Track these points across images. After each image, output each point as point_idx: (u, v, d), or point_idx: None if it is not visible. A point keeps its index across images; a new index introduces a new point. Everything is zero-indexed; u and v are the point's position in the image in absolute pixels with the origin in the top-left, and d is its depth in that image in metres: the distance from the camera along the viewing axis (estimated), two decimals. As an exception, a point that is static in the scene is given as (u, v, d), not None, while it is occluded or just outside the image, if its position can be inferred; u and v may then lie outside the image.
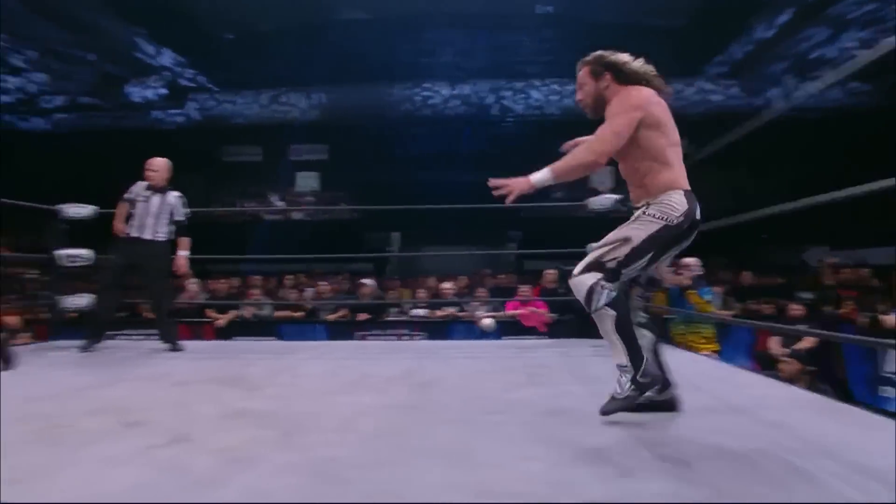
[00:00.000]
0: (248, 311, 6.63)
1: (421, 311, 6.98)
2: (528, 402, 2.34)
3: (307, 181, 15.96)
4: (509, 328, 6.25)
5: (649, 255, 1.96)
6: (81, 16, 13.33)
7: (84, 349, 3.97)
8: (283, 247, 10.63)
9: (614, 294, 1.95)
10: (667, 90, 2.08)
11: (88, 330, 4.10)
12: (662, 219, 1.96)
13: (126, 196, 4.20)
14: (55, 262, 4.46)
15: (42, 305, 5.84)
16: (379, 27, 12.11)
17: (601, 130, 1.98)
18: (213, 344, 4.58)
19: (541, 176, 1.95)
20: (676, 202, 1.98)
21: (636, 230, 1.97)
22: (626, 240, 1.96)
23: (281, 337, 6.20)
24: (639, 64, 2.08)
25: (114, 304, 4.22)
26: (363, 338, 6.22)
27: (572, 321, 6.31)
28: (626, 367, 1.98)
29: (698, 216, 2.00)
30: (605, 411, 2.01)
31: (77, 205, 4.65)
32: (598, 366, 3.18)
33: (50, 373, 3.16)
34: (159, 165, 4.24)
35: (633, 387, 1.98)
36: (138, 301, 5.83)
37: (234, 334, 6.21)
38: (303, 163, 15.95)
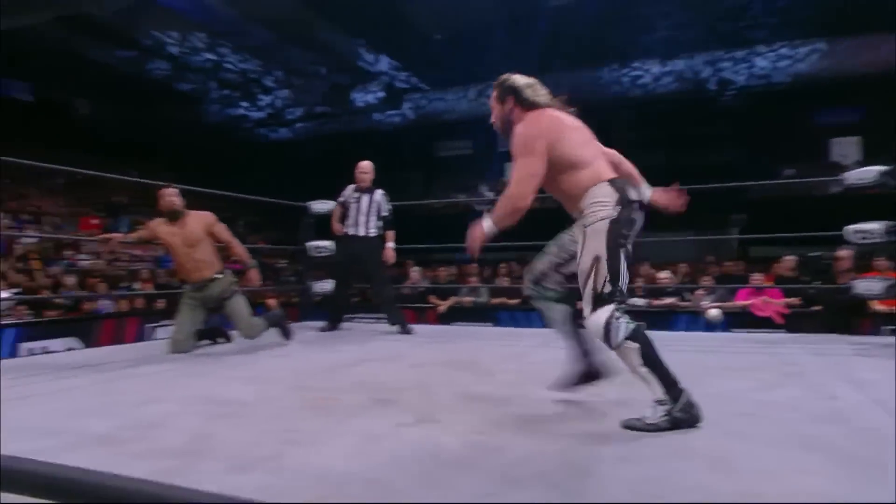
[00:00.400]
0: (466, 298, 6.91)
1: (639, 301, 6.66)
2: (788, 404, 2.06)
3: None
4: (739, 319, 5.67)
5: (622, 255, 1.90)
6: (316, 36, 14.99)
7: (325, 329, 4.49)
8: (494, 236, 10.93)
9: (633, 326, 1.84)
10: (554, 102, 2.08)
11: (330, 313, 4.63)
12: (604, 218, 1.90)
13: (339, 199, 4.67)
14: (306, 253, 5.06)
15: (294, 290, 6.71)
16: (590, 9, 11.72)
17: (517, 173, 1.95)
18: (436, 328, 4.84)
19: (488, 225, 2.01)
20: (604, 195, 1.92)
21: (595, 244, 1.89)
22: (596, 259, 1.89)
23: (497, 323, 6.36)
24: (537, 89, 2.10)
25: (347, 291, 4.77)
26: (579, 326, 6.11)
27: (817, 314, 5.53)
28: (663, 400, 1.79)
29: (633, 196, 1.94)
30: (627, 426, 1.81)
31: (322, 201, 5.22)
32: (866, 368, 2.72)
33: (307, 350, 3.59)
34: (368, 168, 4.65)
35: (666, 418, 1.78)
36: (365, 287, 6.42)
37: (453, 319, 6.50)
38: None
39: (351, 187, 4.64)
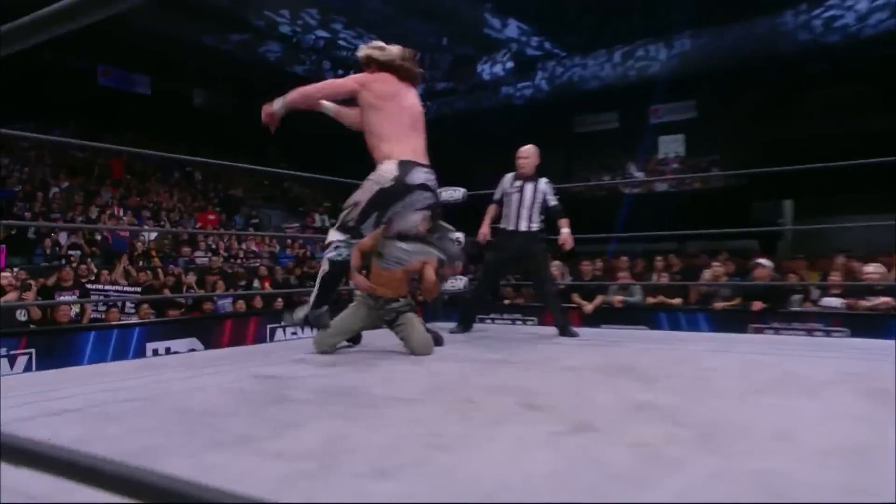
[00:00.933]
0: (616, 297, 6.76)
1: (834, 301, 6.17)
2: None
3: (671, 146, 15.60)
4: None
5: (375, 214, 2.92)
6: (435, 3, 15.30)
7: (457, 331, 4.57)
8: (645, 223, 10.58)
9: (339, 258, 2.95)
10: (415, 75, 3.07)
11: (462, 313, 4.72)
12: (377, 183, 2.89)
13: (494, 198, 4.70)
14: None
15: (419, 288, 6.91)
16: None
17: (328, 84, 3.09)
18: (584, 331, 4.77)
19: (278, 104, 2.98)
20: (386, 170, 2.88)
21: (361, 194, 2.93)
22: (355, 203, 2.93)
23: (654, 326, 6.16)
24: (393, 52, 3.01)
25: (486, 295, 4.87)
26: (759, 331, 5.77)
27: None
28: (308, 303, 3.06)
29: (414, 180, 2.89)
30: (285, 321, 3.26)
31: (450, 188, 5.34)
32: None
33: (444, 351, 3.69)
34: (529, 152, 4.62)
35: (301, 316, 3.12)
36: (503, 284, 6.45)
37: (601, 321, 6.38)
38: (665, 125, 15.63)
39: (509, 177, 4.67)
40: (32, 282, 7.11)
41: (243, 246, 12.89)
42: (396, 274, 3.61)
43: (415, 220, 3.08)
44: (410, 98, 3.04)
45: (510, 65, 17.31)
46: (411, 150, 2.95)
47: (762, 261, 6.70)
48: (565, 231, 4.50)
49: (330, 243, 2.95)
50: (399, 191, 2.88)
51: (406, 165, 2.89)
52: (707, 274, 7.35)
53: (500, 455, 1.68)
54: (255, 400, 2.42)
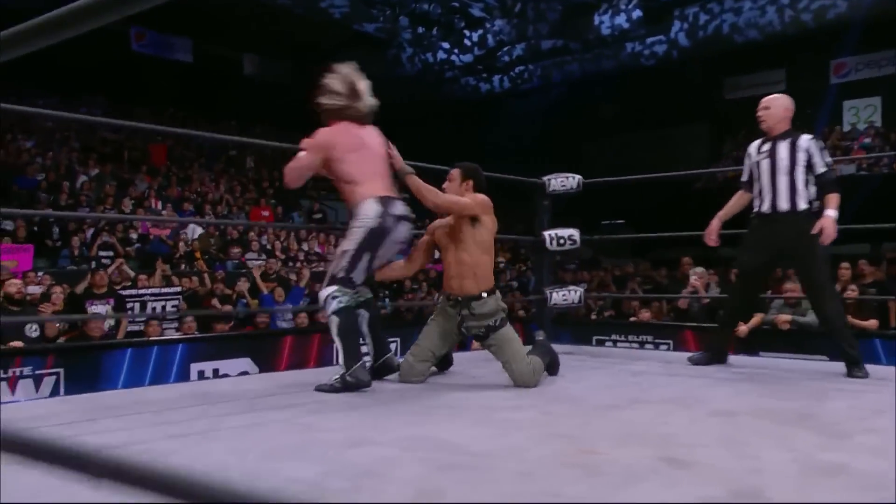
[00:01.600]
0: (782, 317, 6.54)
1: None
2: None
3: (862, 113, 14.91)
4: None
5: (366, 256, 3.51)
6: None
7: (702, 362, 4.43)
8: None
9: (342, 306, 3.44)
10: (363, 111, 3.71)
11: (712, 344, 4.58)
12: (363, 225, 3.48)
13: (742, 179, 4.35)
14: (543, 246, 5.19)
15: (524, 300, 6.91)
16: None
17: (293, 162, 3.67)
18: (739, 360, 4.65)
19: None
20: (368, 210, 3.50)
21: (347, 243, 3.52)
22: (343, 253, 3.51)
23: (837, 357, 5.89)
24: (335, 95, 3.66)
25: (745, 308, 4.80)
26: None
27: None
28: (340, 367, 3.44)
29: (396, 212, 3.57)
30: (318, 388, 3.46)
31: (562, 175, 5.33)
32: None
33: (556, 384, 3.68)
34: (772, 101, 4.26)
35: (338, 380, 3.41)
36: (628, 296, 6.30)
37: (761, 347, 6.18)
38: (854, 85, 14.93)
39: (755, 144, 4.32)
40: (59, 288, 7.55)
41: (304, 246, 13.27)
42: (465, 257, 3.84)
43: (393, 251, 3.71)
44: (370, 137, 3.71)
45: (638, 14, 16.98)
46: (383, 187, 3.62)
47: None
48: (830, 213, 3.97)
49: (325, 299, 3.45)
50: (387, 226, 3.50)
51: (386, 200, 3.55)
52: None
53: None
54: (327, 439, 2.48)
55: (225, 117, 16.78)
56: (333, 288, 3.44)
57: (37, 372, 5.73)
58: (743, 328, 6.48)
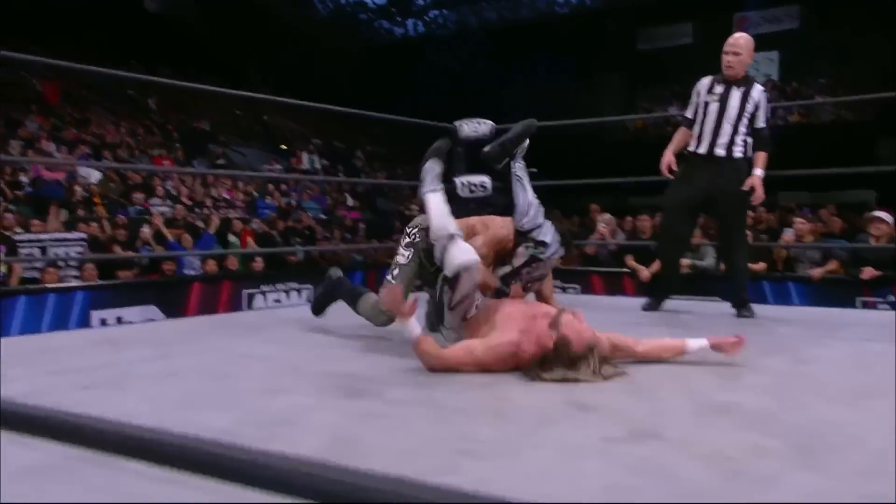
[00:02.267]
0: (682, 261, 6.77)
1: None
2: None
3: (762, 66, 15.31)
4: None
5: None
6: None
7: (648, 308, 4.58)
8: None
9: None
10: None
11: (653, 290, 4.78)
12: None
13: (686, 114, 4.40)
14: (454, 192, 5.22)
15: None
16: None
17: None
18: (641, 303, 4.80)
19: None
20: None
21: None
22: None
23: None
24: None
25: (679, 253, 4.77)
26: (871, 306, 5.91)
27: None
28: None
29: None
30: None
31: (473, 121, 5.33)
32: None
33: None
34: (741, 44, 4.23)
35: None
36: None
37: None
38: (755, 39, 15.21)
39: (706, 81, 4.36)
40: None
41: (212, 192, 12.98)
42: None
43: None
44: None
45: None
46: None
47: (880, 214, 6.67)
48: (758, 172, 4.12)
49: None
50: None
51: None
52: (787, 234, 7.25)
53: (542, 464, 1.75)
54: (242, 388, 2.50)
55: (125, 57, 16.14)
56: None
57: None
58: (645, 273, 6.71)
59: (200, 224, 10.09)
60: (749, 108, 4.16)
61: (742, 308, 4.29)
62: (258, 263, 8.55)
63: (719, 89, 4.22)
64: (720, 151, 4.17)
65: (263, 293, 7.66)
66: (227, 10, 16.31)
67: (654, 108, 16.77)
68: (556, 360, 2.53)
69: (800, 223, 7.22)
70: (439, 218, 3.11)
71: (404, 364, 2.85)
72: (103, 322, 6.28)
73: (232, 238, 9.82)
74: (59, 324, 5.98)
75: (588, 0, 16.71)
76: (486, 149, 3.56)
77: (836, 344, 3.45)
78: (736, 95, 4.17)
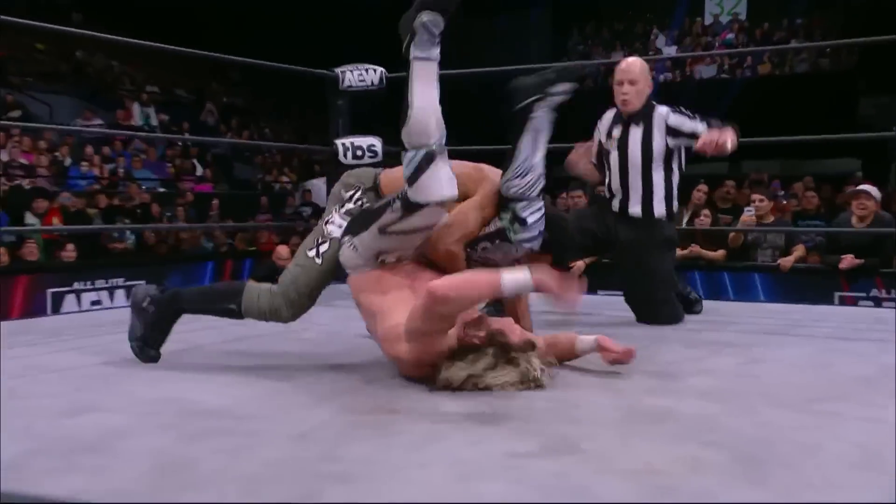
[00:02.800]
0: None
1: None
2: None
3: (725, 4, 15.66)
4: None
5: None
6: None
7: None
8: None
9: None
10: None
11: None
12: None
13: (593, 161, 4.53)
14: (335, 158, 5.23)
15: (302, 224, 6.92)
16: None
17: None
18: (583, 299, 4.89)
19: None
20: None
21: None
22: None
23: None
24: None
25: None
26: (851, 301, 6.12)
27: None
28: None
29: None
30: None
31: (359, 66, 5.34)
32: None
33: (326, 325, 3.75)
34: (638, 74, 4.28)
35: None
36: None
37: (597, 286, 6.54)
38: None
39: (607, 117, 4.45)
40: None
41: (2, 155, 12.51)
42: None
43: None
44: None
45: None
46: None
47: (866, 188, 6.86)
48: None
49: None
50: None
51: None
52: (747, 214, 7.33)
53: (431, 488, 1.78)
54: (44, 408, 2.47)
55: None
56: None
57: None
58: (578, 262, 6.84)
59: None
60: (657, 147, 4.19)
61: (693, 304, 4.49)
62: (69, 253, 8.29)
63: (617, 132, 4.30)
64: (635, 210, 4.26)
65: (77, 293, 7.43)
66: None
67: (592, 51, 17.03)
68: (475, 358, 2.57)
69: (759, 200, 7.21)
70: (423, 113, 2.79)
71: (262, 374, 2.85)
72: None
73: (31, 219, 9.50)
74: None
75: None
76: (518, 79, 3.20)
77: (796, 342, 3.63)
78: (636, 137, 4.23)
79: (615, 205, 4.31)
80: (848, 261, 6.37)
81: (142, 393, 2.64)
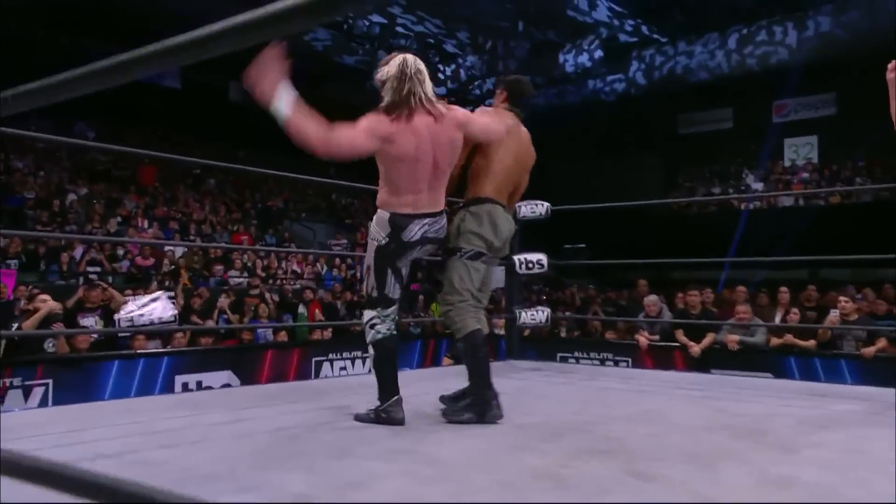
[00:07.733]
0: (731, 337, 6.62)
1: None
2: None
3: (801, 150, 15.21)
4: None
5: (389, 273, 2.93)
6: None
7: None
8: (766, 245, 10.27)
9: (379, 336, 2.94)
10: (436, 111, 2.85)
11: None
12: (374, 239, 2.95)
13: None
14: (512, 269, 5.21)
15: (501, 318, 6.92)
16: None
17: (347, 130, 2.78)
18: (691, 377, 4.69)
19: (286, 101, 2.56)
20: (379, 224, 2.92)
21: (368, 256, 2.98)
22: (367, 268, 2.97)
23: (780, 374, 6.00)
24: (407, 87, 2.80)
25: None
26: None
27: None
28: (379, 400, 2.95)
29: (413, 237, 2.89)
30: (356, 417, 3.01)
31: (531, 202, 5.35)
32: None
33: (522, 397, 3.67)
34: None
35: (372, 414, 2.96)
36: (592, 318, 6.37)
37: (712, 365, 6.28)
38: (794, 125, 15.26)
39: None
40: (57, 305, 7.29)
41: (283, 265, 13.18)
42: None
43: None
44: (421, 130, 2.82)
45: (599, 54, 17.21)
46: (412, 201, 2.86)
47: None
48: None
49: (364, 327, 2.96)
50: (398, 249, 2.89)
51: (401, 220, 2.86)
52: (832, 315, 6.93)
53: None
54: (312, 451, 2.46)
55: (211, 139, 16.76)
56: (372, 314, 2.93)
57: (26, 383, 5.62)
58: (695, 348, 6.57)
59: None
60: None
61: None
62: (326, 334, 8.58)
63: None
64: None
65: (331, 361, 7.67)
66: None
67: (696, 186, 16.67)
68: None
69: (844, 302, 6.83)
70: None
71: (464, 430, 2.78)
72: (185, 386, 6.35)
73: (301, 308, 9.90)
74: (146, 388, 6.06)
75: (633, 89, 16.80)
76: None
77: (885, 418, 3.29)
78: None
79: None
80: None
81: (386, 444, 2.61)
